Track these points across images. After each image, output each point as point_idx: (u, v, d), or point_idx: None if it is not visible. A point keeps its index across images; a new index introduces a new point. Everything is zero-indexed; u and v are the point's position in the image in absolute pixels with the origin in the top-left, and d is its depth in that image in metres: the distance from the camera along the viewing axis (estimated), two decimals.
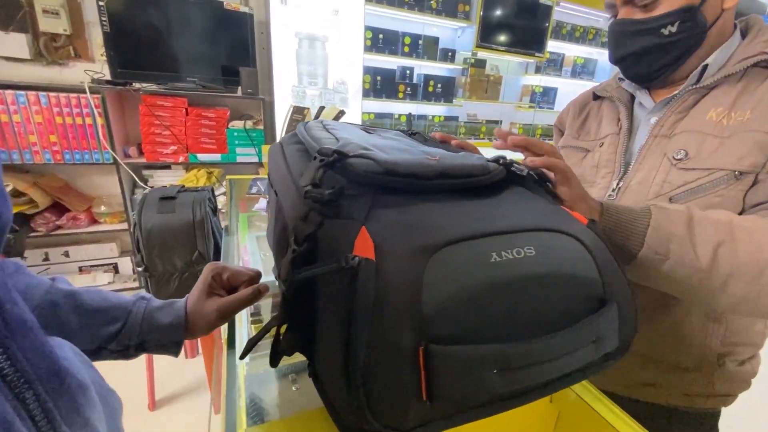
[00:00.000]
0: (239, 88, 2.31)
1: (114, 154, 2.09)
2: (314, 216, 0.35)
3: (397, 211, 0.34)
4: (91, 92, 2.00)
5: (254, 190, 1.37)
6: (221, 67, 2.31)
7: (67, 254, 2.27)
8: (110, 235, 2.33)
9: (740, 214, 0.58)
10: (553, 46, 3.47)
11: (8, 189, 1.90)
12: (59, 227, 2.15)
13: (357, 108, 2.74)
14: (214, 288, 0.54)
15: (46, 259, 2.24)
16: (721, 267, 0.49)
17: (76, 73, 2.12)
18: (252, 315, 0.72)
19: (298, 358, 0.43)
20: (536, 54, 3.36)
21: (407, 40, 2.84)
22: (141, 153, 2.26)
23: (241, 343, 0.64)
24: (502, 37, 3.14)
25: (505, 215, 0.36)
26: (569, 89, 3.84)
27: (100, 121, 2.04)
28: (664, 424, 0.74)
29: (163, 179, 2.33)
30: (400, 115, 3.07)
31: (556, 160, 0.51)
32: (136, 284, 2.34)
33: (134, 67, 2.09)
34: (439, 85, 3.09)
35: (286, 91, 2.50)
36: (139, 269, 1.16)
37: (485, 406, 0.32)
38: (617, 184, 0.70)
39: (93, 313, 0.49)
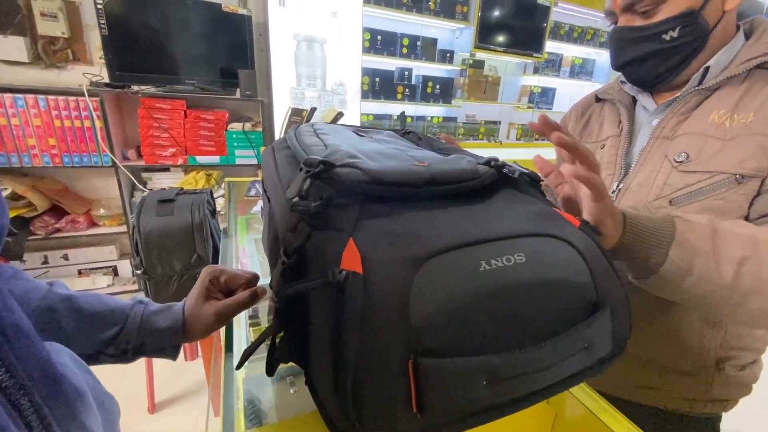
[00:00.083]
0: (238, 90, 2.31)
1: (113, 157, 2.09)
2: (303, 227, 0.35)
3: (384, 221, 0.34)
4: (90, 95, 2.00)
5: (253, 192, 1.37)
6: (220, 69, 2.32)
7: (66, 257, 2.27)
8: (109, 237, 2.33)
9: (746, 219, 0.58)
10: (551, 46, 3.47)
11: (7, 192, 1.91)
12: (58, 230, 2.15)
13: (356, 109, 2.74)
14: (211, 291, 0.54)
15: (45, 262, 2.24)
16: (744, 283, 0.48)
17: (75, 76, 2.12)
18: (250, 318, 0.72)
19: None
20: (534, 54, 3.36)
21: (405, 42, 2.84)
22: (140, 155, 2.26)
23: (239, 346, 0.64)
24: (501, 38, 3.14)
25: (495, 221, 0.35)
26: (567, 89, 3.85)
27: (98, 123, 2.04)
28: (663, 428, 0.74)
29: (162, 182, 2.33)
30: (399, 115, 3.07)
31: (596, 176, 0.46)
32: (135, 287, 2.34)
33: (133, 70, 2.09)
34: (438, 86, 3.10)
35: (285, 92, 2.50)
36: (138, 272, 1.16)
37: (476, 415, 0.31)
38: (617, 186, 0.70)
39: (90, 317, 0.49)
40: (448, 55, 3.05)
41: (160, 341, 0.52)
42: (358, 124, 2.80)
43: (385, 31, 2.75)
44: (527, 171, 0.44)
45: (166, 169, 2.33)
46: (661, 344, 0.69)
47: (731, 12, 0.62)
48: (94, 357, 0.49)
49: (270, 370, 0.40)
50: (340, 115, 1.42)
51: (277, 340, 0.40)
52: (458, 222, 0.35)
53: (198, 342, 1.63)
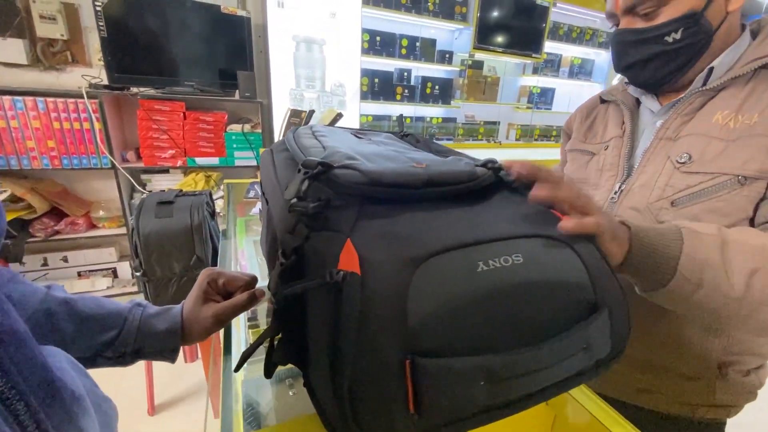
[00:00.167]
0: (237, 91, 2.31)
1: (112, 159, 2.09)
2: (301, 228, 0.35)
3: (382, 221, 0.34)
4: (89, 97, 2.00)
5: (252, 194, 1.37)
6: (219, 71, 2.32)
7: (65, 259, 2.27)
8: (109, 239, 2.33)
9: (751, 223, 0.57)
10: (550, 46, 3.48)
11: (6, 195, 1.91)
12: (58, 232, 2.15)
13: (355, 110, 2.74)
14: (209, 294, 0.54)
15: (45, 264, 2.24)
16: (754, 295, 0.47)
17: (74, 78, 2.12)
18: (249, 320, 0.72)
19: None
20: (533, 55, 3.36)
21: (404, 43, 2.84)
22: (139, 157, 2.26)
23: (238, 348, 0.64)
24: (500, 39, 3.15)
25: (492, 222, 0.35)
26: (567, 90, 3.85)
27: (97, 126, 2.04)
28: None
29: (161, 183, 2.33)
30: (397, 116, 3.07)
31: (586, 222, 0.39)
32: (135, 289, 2.34)
33: (132, 72, 2.09)
34: (437, 87, 3.10)
35: (284, 94, 2.50)
36: (138, 274, 1.16)
37: (474, 417, 0.31)
38: (619, 187, 0.69)
39: (88, 320, 0.49)
40: (447, 55, 3.06)
41: (158, 344, 0.52)
42: (358, 125, 2.81)
43: (384, 32, 2.76)
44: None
45: (165, 170, 2.33)
46: (662, 347, 0.68)
47: (735, 13, 0.61)
48: (92, 360, 0.49)
49: (268, 373, 0.40)
50: (339, 116, 1.42)
51: (276, 342, 0.40)
52: (456, 223, 0.35)
53: (198, 344, 1.63)
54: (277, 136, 1.73)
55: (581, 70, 3.80)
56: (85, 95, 1.99)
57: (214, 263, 1.16)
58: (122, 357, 0.51)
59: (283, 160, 0.50)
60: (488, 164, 0.42)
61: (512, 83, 3.70)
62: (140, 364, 0.54)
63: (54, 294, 0.48)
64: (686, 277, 0.48)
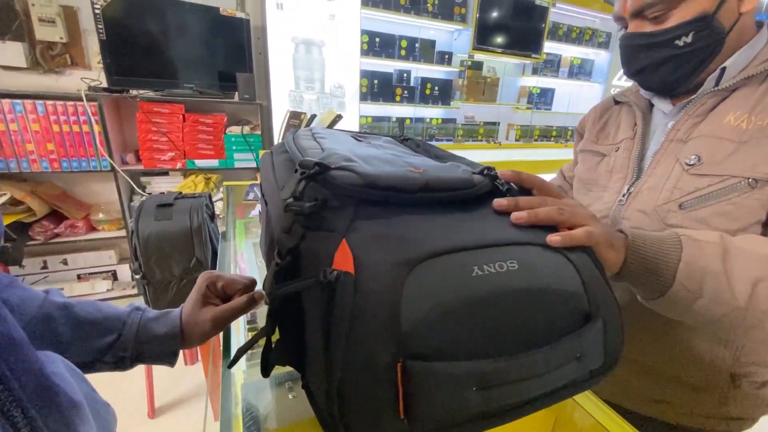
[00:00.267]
0: (236, 93, 2.31)
1: (111, 162, 2.09)
2: (297, 228, 0.35)
3: (378, 223, 0.34)
4: (88, 100, 2.00)
5: (251, 196, 1.37)
6: (218, 73, 2.32)
7: (65, 262, 2.27)
8: (109, 242, 2.33)
9: (764, 226, 0.56)
10: (549, 47, 3.48)
11: (6, 198, 1.91)
12: (57, 235, 2.15)
13: (354, 112, 2.74)
14: (208, 297, 0.54)
15: (45, 267, 2.24)
16: (759, 305, 0.46)
17: (73, 81, 2.12)
18: (248, 323, 0.72)
19: None
20: (533, 55, 3.36)
21: (404, 44, 2.85)
22: (138, 160, 2.26)
23: None
24: (499, 39, 3.15)
25: (488, 228, 0.35)
26: (566, 90, 3.85)
27: (97, 128, 2.04)
28: None
29: (161, 186, 2.32)
30: (397, 119, 3.08)
31: (578, 234, 0.39)
32: (135, 291, 2.34)
33: (131, 74, 2.09)
34: (437, 88, 3.10)
35: (284, 96, 2.50)
36: (137, 277, 1.16)
37: (465, 424, 0.31)
38: (628, 190, 0.68)
39: (87, 325, 0.49)
40: (446, 56, 3.06)
41: (157, 348, 0.52)
42: (357, 127, 2.81)
43: (384, 33, 2.76)
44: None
45: (164, 173, 2.33)
46: (671, 357, 0.67)
47: (748, 14, 0.59)
48: (91, 365, 0.49)
49: (265, 372, 0.40)
50: (339, 117, 1.42)
51: (273, 342, 0.40)
52: (452, 227, 0.35)
53: (197, 346, 1.63)
54: (277, 138, 1.73)
55: (581, 71, 3.80)
56: (84, 98, 1.99)
57: (214, 266, 1.16)
58: (121, 361, 0.51)
59: (282, 162, 0.50)
60: (485, 172, 0.42)
61: (512, 84, 3.70)
62: (140, 367, 0.54)
63: (52, 299, 0.48)
64: (685, 286, 0.47)
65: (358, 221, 0.34)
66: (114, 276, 2.40)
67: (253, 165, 2.39)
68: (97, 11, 1.91)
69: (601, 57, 3.85)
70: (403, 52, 2.86)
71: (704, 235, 0.49)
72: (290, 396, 0.56)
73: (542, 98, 3.75)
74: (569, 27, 3.52)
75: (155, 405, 1.76)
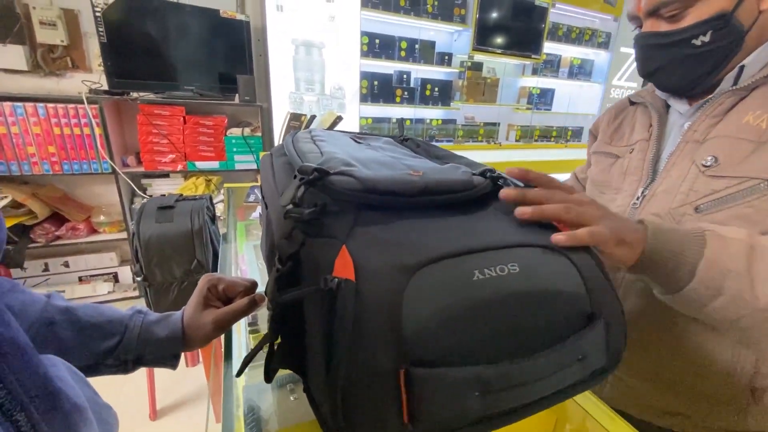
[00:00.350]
0: (237, 95, 2.32)
1: (112, 164, 2.09)
2: (297, 234, 0.35)
3: (378, 228, 0.34)
4: (89, 102, 2.00)
5: (252, 198, 1.37)
6: (218, 75, 2.32)
7: (66, 264, 2.27)
8: (110, 244, 2.33)
9: None
10: (549, 47, 3.47)
11: (7, 200, 1.91)
12: (59, 237, 2.16)
13: (354, 113, 2.74)
14: (210, 299, 0.55)
15: (46, 269, 2.24)
16: None
17: (74, 83, 2.13)
18: (249, 325, 0.72)
19: None
20: (533, 56, 3.36)
21: (404, 45, 2.85)
22: (139, 162, 2.26)
23: (239, 353, 0.64)
24: (499, 40, 3.14)
25: (489, 231, 0.35)
26: (566, 90, 3.85)
27: (98, 131, 2.05)
28: None
29: (161, 188, 2.33)
30: (397, 120, 3.07)
31: (581, 234, 0.38)
32: (136, 293, 2.34)
33: (131, 77, 2.10)
34: (437, 89, 3.10)
35: (284, 97, 2.51)
36: (138, 279, 1.16)
37: (469, 427, 0.31)
38: (642, 192, 0.66)
39: (89, 328, 0.49)
40: (446, 57, 3.06)
41: (159, 351, 0.52)
42: (357, 128, 2.81)
43: (383, 34, 2.76)
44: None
45: (165, 175, 2.34)
46: (687, 367, 0.64)
47: None
48: (93, 368, 0.49)
49: (268, 378, 0.40)
50: (339, 119, 1.42)
51: (276, 347, 0.40)
52: (452, 231, 0.34)
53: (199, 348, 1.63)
54: (277, 139, 1.74)
55: (581, 71, 3.80)
56: (85, 100, 1.99)
57: (215, 268, 1.16)
58: (123, 364, 0.51)
59: (282, 165, 0.50)
60: (486, 173, 0.42)
61: (512, 84, 3.69)
62: (142, 369, 0.54)
63: (54, 303, 0.48)
64: (705, 283, 0.45)
65: (357, 227, 0.34)
66: (115, 278, 2.41)
67: (254, 167, 2.40)
68: (97, 14, 1.92)
69: (600, 57, 3.84)
70: (403, 53, 2.86)
71: (730, 232, 0.48)
72: (292, 398, 0.56)
73: (542, 99, 3.75)
74: (569, 27, 3.52)
75: (157, 407, 1.76)
